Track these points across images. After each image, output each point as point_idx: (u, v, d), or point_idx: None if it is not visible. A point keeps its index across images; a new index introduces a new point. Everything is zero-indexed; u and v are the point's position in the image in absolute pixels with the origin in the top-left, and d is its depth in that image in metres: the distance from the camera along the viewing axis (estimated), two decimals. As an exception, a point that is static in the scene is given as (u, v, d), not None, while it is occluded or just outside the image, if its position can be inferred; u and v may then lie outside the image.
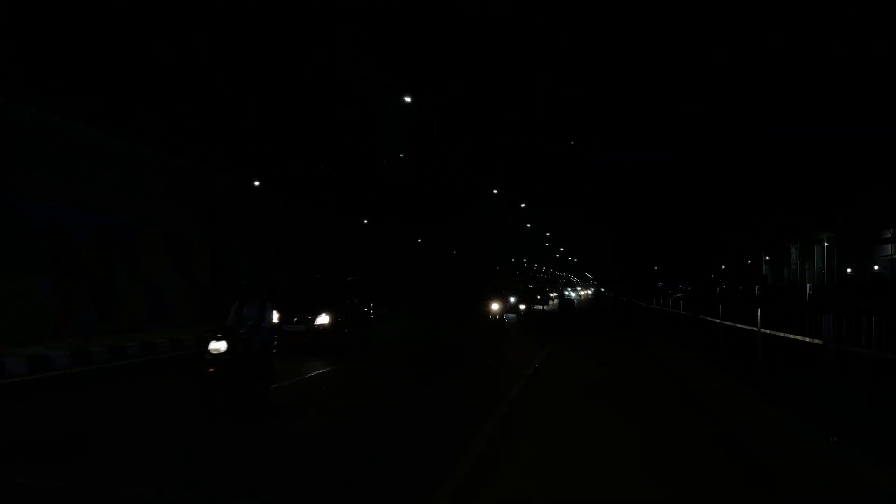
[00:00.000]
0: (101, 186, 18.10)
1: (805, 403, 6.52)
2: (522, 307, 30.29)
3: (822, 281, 55.44)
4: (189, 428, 7.92)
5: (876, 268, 48.80)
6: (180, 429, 7.90)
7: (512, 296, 42.01)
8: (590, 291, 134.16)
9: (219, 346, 8.43)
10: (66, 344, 14.14)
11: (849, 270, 51.89)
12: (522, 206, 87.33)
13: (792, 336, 6.90)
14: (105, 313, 17.75)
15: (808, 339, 6.41)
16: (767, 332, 8.11)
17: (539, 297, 49.45)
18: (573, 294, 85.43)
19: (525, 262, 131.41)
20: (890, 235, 46.14)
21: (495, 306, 23.38)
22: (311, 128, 34.30)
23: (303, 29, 29.63)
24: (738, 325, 9.49)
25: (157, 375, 12.92)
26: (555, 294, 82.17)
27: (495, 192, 74.16)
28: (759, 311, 8.59)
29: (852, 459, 5.22)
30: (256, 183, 33.64)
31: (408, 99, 43.21)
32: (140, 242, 19.56)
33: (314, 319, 15.45)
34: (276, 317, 9.94)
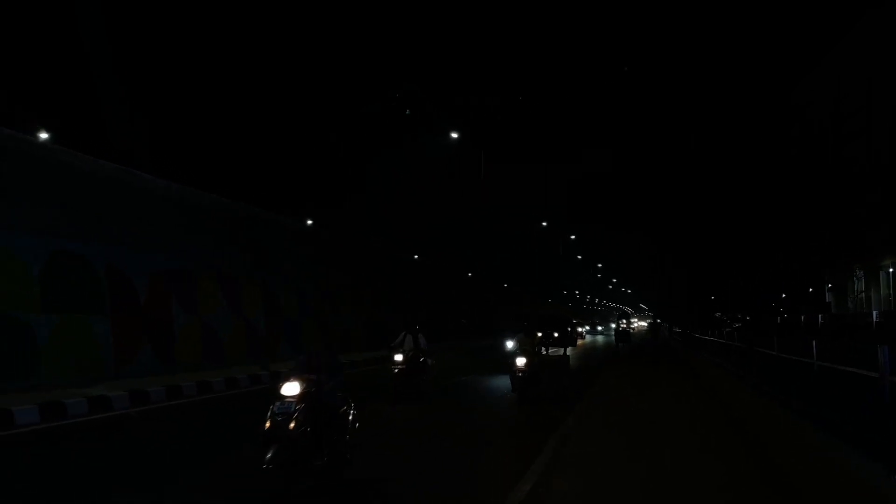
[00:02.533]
0: (157, 229, 18.71)
1: (866, 437, 6.27)
2: (521, 362, 14.91)
3: (889, 307, 53.15)
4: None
5: (946, 293, 46.67)
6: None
7: (509, 338, 22.49)
8: (644, 323, 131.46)
9: None
10: (125, 384, 14.54)
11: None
12: (573, 237, 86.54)
13: (847, 368, 6.68)
14: (162, 354, 18.21)
15: (862, 372, 6.19)
16: (824, 364, 7.88)
17: (557, 334, 29.37)
18: (628, 328, 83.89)
19: (577, 294, 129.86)
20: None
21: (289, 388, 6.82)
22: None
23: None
24: (794, 358, 9.23)
25: (209, 415, 13.20)
26: (586, 328, 78.50)
27: (544, 223, 73.81)
28: (813, 342, 8.36)
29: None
30: (309, 222, 34.35)
31: (454, 135, 43.63)
32: (195, 283, 20.08)
33: None
34: None
